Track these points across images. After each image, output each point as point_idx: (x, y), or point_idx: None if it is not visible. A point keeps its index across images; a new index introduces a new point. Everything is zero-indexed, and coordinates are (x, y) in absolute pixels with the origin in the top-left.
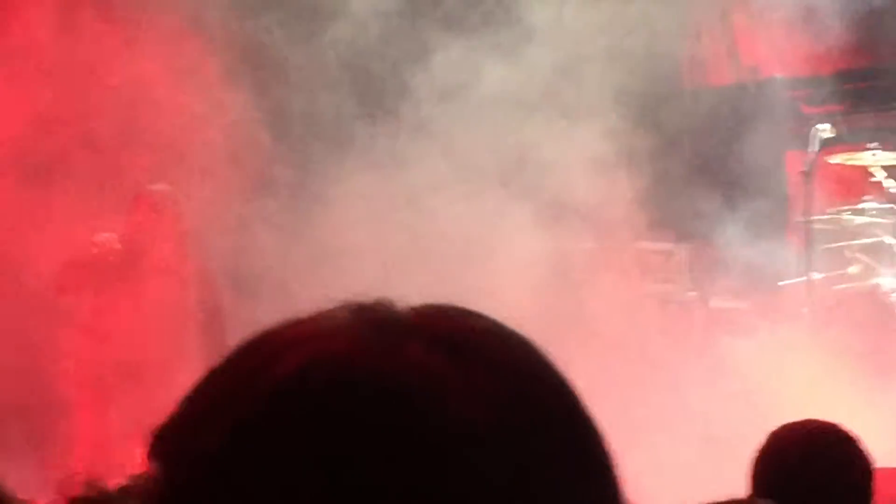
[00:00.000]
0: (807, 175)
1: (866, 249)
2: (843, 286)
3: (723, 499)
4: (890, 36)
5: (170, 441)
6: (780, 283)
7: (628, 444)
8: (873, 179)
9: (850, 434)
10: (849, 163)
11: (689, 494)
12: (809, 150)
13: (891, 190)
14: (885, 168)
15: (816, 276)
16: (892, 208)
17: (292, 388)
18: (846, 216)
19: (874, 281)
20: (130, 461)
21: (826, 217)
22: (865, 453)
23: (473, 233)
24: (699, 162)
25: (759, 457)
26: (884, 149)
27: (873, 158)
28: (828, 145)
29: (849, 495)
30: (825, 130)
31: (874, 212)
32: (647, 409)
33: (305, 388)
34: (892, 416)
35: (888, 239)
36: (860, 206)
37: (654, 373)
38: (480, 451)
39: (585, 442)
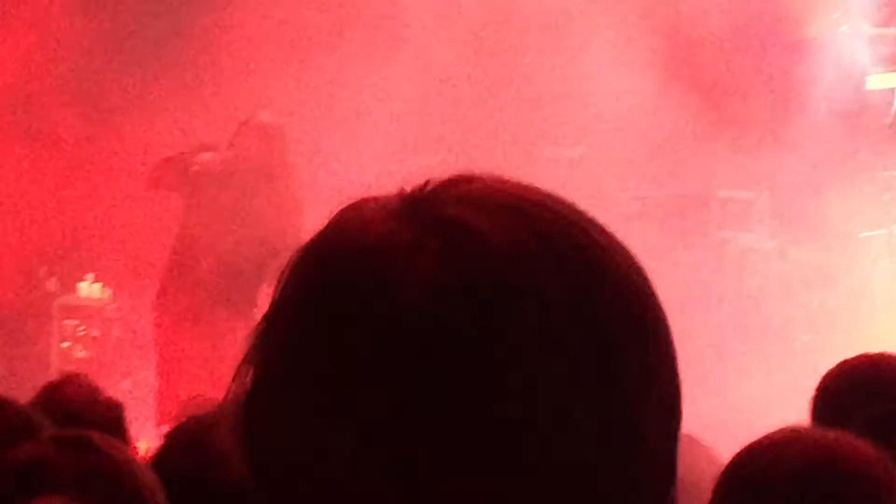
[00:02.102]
0: (891, 126)
1: None
2: None
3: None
4: None
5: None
6: (861, 235)
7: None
8: None
9: None
10: None
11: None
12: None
13: None
14: None
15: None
16: None
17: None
18: None
19: None
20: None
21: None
22: None
23: None
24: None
25: (822, 385)
26: None
27: None
28: None
29: None
30: None
31: None
32: (722, 361)
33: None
34: None
35: None
36: None
37: (730, 320)
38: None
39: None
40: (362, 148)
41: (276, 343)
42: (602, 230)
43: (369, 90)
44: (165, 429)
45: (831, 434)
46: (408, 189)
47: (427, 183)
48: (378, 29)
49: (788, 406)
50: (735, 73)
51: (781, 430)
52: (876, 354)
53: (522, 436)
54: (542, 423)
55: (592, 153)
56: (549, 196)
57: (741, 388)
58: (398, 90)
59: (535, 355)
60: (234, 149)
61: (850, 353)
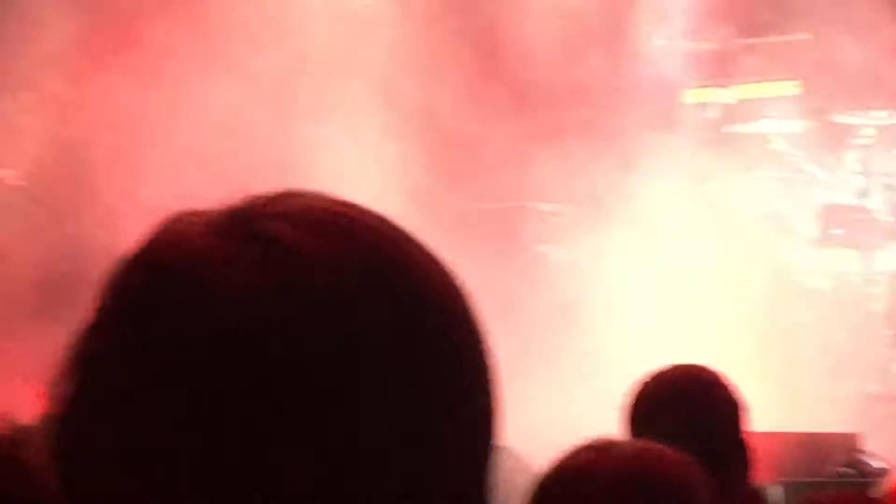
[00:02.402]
0: (706, 140)
1: (763, 217)
2: None
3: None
4: None
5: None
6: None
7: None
8: (772, 147)
9: (717, 374)
10: (747, 130)
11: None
12: None
13: (789, 158)
14: (781, 136)
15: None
16: (788, 177)
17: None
18: (745, 183)
19: (773, 248)
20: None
21: (724, 183)
22: (731, 391)
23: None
24: None
25: (631, 400)
26: (781, 118)
27: (771, 126)
28: None
29: (716, 432)
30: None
31: (772, 179)
32: (536, 372)
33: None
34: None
35: (785, 208)
36: (759, 173)
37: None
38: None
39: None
40: (183, 160)
41: (93, 357)
42: (419, 247)
43: (187, 98)
44: None
45: (641, 443)
46: (230, 203)
47: (250, 197)
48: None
49: (599, 416)
50: (554, 86)
51: (593, 442)
52: (684, 365)
53: (342, 461)
54: (364, 443)
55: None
56: (368, 213)
57: (552, 399)
58: (215, 101)
59: (348, 367)
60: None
61: (660, 363)
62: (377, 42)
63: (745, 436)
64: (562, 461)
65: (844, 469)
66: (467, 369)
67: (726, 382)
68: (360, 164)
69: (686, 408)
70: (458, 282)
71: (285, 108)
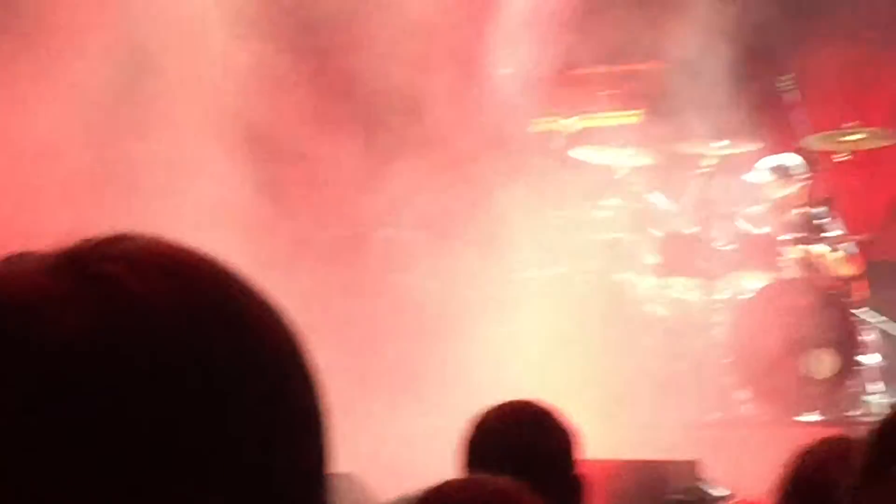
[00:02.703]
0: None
1: (608, 245)
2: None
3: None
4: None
5: None
6: (524, 275)
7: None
8: (616, 176)
9: (548, 406)
10: (592, 159)
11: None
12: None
13: (633, 188)
14: (626, 166)
15: (560, 269)
16: (632, 206)
17: None
18: (589, 211)
19: (616, 276)
20: None
21: (570, 212)
22: (563, 423)
23: None
24: None
25: (467, 433)
26: (625, 147)
27: (615, 156)
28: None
29: (550, 462)
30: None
31: (616, 208)
32: (379, 398)
33: None
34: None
35: (628, 236)
36: (603, 202)
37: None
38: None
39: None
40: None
41: None
42: (245, 287)
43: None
44: None
45: (491, 480)
46: (64, 244)
47: (84, 239)
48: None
49: (442, 446)
50: (399, 109)
51: (452, 481)
52: (517, 400)
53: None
54: (179, 482)
55: None
56: (202, 257)
57: (396, 427)
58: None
59: (179, 410)
60: None
61: (501, 391)
62: (212, 57)
63: (578, 464)
64: (426, 497)
65: (683, 496)
66: (294, 405)
67: (558, 414)
68: (192, 187)
69: (519, 439)
70: (285, 319)
71: (114, 125)
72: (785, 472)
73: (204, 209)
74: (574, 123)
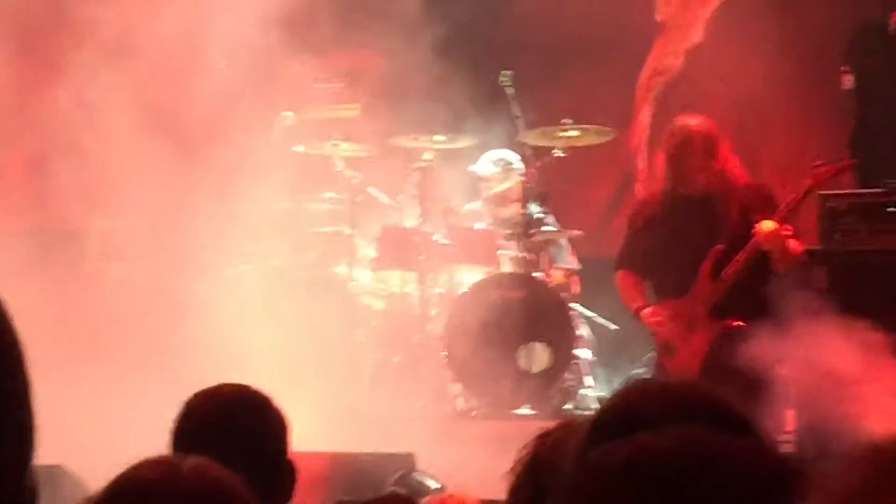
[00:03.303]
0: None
1: (326, 238)
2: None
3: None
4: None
5: None
6: (239, 268)
7: None
8: (335, 169)
9: (263, 394)
10: (311, 152)
11: None
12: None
13: (351, 181)
14: (344, 159)
15: (276, 262)
16: (350, 199)
17: None
18: (307, 204)
19: (333, 269)
20: None
21: (288, 205)
22: (278, 412)
23: None
24: None
25: (180, 418)
26: (343, 140)
27: (333, 149)
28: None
29: (263, 451)
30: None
31: (334, 201)
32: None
33: None
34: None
35: (346, 229)
36: (321, 195)
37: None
38: None
39: None
40: None
41: None
42: None
43: None
44: None
45: (196, 460)
46: None
47: None
48: None
49: (161, 434)
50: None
51: (152, 460)
52: (233, 384)
53: None
54: None
55: None
56: None
57: (111, 417)
58: None
59: None
60: None
61: (217, 380)
62: None
63: (291, 456)
64: (118, 479)
65: (397, 489)
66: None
67: (272, 402)
68: None
69: (233, 426)
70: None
71: None
72: (521, 454)
73: None
74: (293, 117)
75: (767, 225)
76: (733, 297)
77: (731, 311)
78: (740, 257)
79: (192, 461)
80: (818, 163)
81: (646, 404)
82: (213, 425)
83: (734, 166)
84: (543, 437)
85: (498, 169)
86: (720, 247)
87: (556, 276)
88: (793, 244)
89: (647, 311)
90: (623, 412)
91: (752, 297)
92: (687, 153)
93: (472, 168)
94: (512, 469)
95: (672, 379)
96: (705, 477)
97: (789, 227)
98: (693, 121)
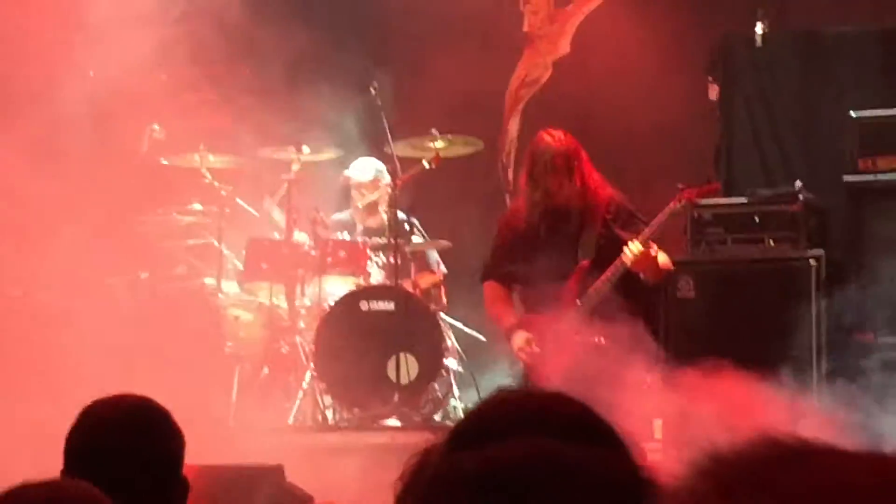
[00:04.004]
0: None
1: (193, 250)
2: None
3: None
4: None
5: None
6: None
7: None
8: (203, 181)
9: (161, 408)
10: (178, 164)
11: None
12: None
13: (219, 193)
14: (212, 170)
15: (143, 275)
16: (218, 211)
17: None
18: (175, 216)
19: (201, 280)
20: None
21: (156, 217)
22: (175, 426)
23: None
24: None
25: (71, 433)
26: (211, 152)
27: (201, 160)
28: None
29: (162, 466)
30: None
31: (202, 213)
32: None
33: None
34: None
35: (214, 241)
36: (189, 206)
37: None
38: None
39: None
40: None
41: None
42: None
43: None
44: None
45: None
46: None
47: None
48: None
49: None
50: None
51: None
52: (128, 396)
53: None
54: None
55: None
56: None
57: None
58: None
59: None
60: None
61: (89, 395)
62: None
63: (184, 470)
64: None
65: (268, 501)
66: None
67: (172, 417)
68: None
69: (131, 440)
70: None
71: None
72: (408, 465)
73: None
74: (160, 129)
75: (634, 248)
76: (601, 311)
77: (599, 324)
78: (606, 274)
79: (78, 486)
80: (683, 185)
81: (499, 415)
82: (112, 436)
83: (595, 181)
84: (430, 449)
85: (371, 176)
86: (585, 263)
87: (424, 286)
88: (661, 259)
89: (517, 338)
90: (477, 423)
91: (620, 310)
92: (546, 172)
93: (346, 172)
94: (399, 478)
95: (534, 389)
96: (548, 489)
97: (654, 245)
98: (552, 138)
